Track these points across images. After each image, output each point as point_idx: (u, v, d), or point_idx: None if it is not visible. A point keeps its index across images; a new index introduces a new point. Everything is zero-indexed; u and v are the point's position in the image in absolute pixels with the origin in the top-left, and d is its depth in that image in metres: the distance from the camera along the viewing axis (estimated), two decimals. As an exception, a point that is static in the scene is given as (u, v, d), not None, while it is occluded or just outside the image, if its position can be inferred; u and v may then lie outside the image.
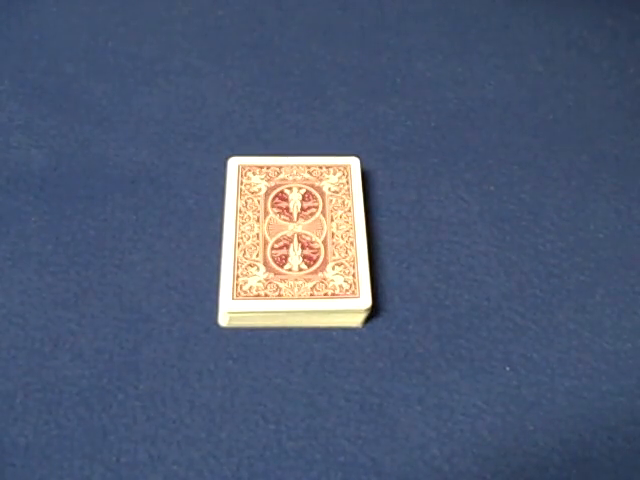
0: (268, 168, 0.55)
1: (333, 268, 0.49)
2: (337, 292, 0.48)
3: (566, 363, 0.49)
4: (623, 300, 0.52)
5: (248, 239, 0.51)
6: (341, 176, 0.55)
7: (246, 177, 0.54)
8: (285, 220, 0.52)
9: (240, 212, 0.52)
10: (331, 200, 0.53)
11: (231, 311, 0.48)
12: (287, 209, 0.52)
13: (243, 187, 0.54)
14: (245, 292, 0.48)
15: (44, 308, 0.50)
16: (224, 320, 0.49)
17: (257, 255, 0.50)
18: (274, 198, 0.53)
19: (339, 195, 0.54)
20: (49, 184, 0.56)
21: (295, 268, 0.49)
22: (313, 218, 0.52)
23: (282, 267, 0.49)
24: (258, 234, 0.51)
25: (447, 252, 0.54)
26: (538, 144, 0.62)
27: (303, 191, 0.54)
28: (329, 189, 0.54)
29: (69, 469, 0.43)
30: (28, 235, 0.53)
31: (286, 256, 0.50)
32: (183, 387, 0.47)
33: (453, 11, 0.72)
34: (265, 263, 0.49)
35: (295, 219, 0.52)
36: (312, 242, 0.51)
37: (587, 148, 0.62)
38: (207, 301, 0.51)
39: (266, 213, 0.52)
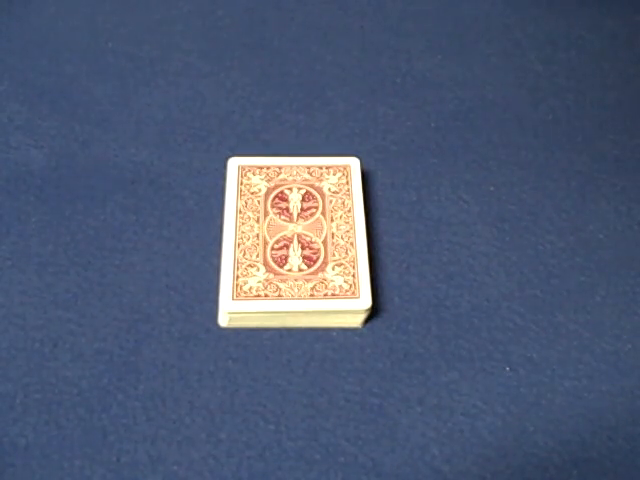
0: (268, 168, 0.55)
1: (333, 268, 0.49)
2: (337, 292, 0.48)
3: (566, 363, 0.49)
4: (623, 300, 0.52)
5: (248, 239, 0.51)
6: (341, 176, 0.55)
7: (246, 177, 0.54)
8: (285, 220, 0.52)
9: (240, 212, 0.52)
10: (331, 200, 0.53)
11: (231, 311, 0.48)
12: (287, 209, 0.53)
13: (243, 187, 0.54)
14: (245, 292, 0.48)
15: (44, 308, 0.50)
16: (224, 320, 0.49)
17: (257, 255, 0.50)
18: (274, 198, 0.53)
19: (339, 195, 0.54)
20: (49, 184, 0.56)
21: (295, 268, 0.49)
22: (313, 218, 0.52)
23: (282, 267, 0.49)
24: (258, 234, 0.51)
25: (447, 252, 0.54)
26: (538, 144, 0.62)
27: (303, 191, 0.54)
28: (329, 189, 0.54)
29: (69, 469, 0.43)
30: (28, 235, 0.53)
31: (286, 256, 0.50)
32: (183, 387, 0.47)
33: (453, 11, 0.72)
34: (265, 263, 0.49)
35: (295, 219, 0.52)
36: (312, 242, 0.51)
37: (587, 148, 0.62)
38: (207, 301, 0.51)
39: (266, 213, 0.52)
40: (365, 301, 0.48)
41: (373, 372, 0.48)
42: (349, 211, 0.53)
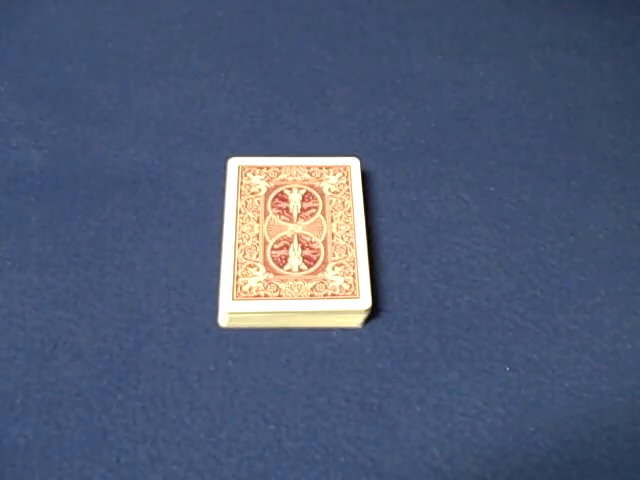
0: (268, 169, 0.55)
1: (333, 269, 0.49)
2: (337, 293, 0.48)
3: (566, 363, 0.49)
4: (623, 300, 0.52)
5: (248, 240, 0.51)
6: (341, 176, 0.55)
7: (246, 177, 0.54)
8: (285, 221, 0.52)
9: (240, 213, 0.52)
10: (331, 201, 0.53)
11: (231, 312, 0.48)
12: (287, 209, 0.53)
13: (243, 188, 0.54)
14: (245, 293, 0.48)
15: (44, 308, 0.50)
16: (224, 321, 0.49)
17: (257, 256, 0.50)
18: (274, 199, 0.53)
19: (339, 196, 0.54)
20: (49, 184, 0.56)
21: (295, 269, 0.49)
22: (313, 219, 0.52)
23: (282, 268, 0.49)
24: (258, 235, 0.51)
25: (447, 252, 0.54)
26: (538, 144, 0.62)
27: (303, 192, 0.54)
28: (329, 189, 0.54)
29: (69, 469, 0.43)
30: (28, 235, 0.53)
31: (286, 257, 0.50)
32: (183, 388, 0.47)
33: (453, 11, 0.72)
34: (265, 264, 0.49)
35: (295, 220, 0.52)
36: (312, 242, 0.51)
37: (587, 148, 0.62)
38: (207, 302, 0.51)
39: (266, 214, 0.52)
40: (365, 301, 0.48)
41: (373, 372, 0.48)
42: (349, 211, 0.53)
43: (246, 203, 0.53)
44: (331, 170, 0.55)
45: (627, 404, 0.48)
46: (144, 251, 0.53)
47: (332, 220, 0.52)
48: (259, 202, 0.53)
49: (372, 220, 0.56)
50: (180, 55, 0.67)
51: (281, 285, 0.48)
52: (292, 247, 0.50)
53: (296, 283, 0.49)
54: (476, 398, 0.47)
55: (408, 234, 0.55)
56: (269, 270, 0.49)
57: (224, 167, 0.56)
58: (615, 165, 0.61)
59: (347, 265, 0.50)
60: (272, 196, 0.53)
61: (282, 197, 0.53)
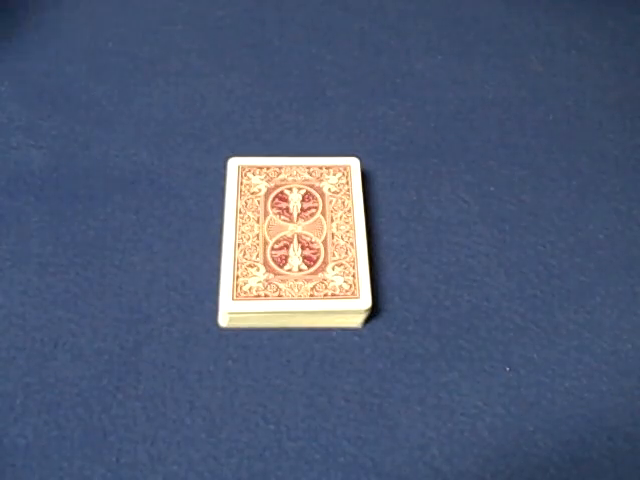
0: (268, 169, 0.55)
1: (333, 269, 0.49)
2: (337, 293, 0.48)
3: (566, 363, 0.49)
4: (623, 300, 0.52)
5: (248, 240, 0.51)
6: (341, 177, 0.55)
7: (246, 177, 0.54)
8: (285, 221, 0.52)
9: (240, 213, 0.52)
10: (331, 201, 0.53)
11: (231, 312, 0.48)
12: (287, 209, 0.53)
13: (243, 188, 0.54)
14: (245, 293, 0.48)
15: (44, 308, 0.50)
16: (224, 321, 0.49)
17: (257, 256, 0.50)
18: (274, 199, 0.53)
19: (339, 196, 0.54)
20: (49, 184, 0.56)
21: (295, 269, 0.49)
22: (313, 219, 0.52)
23: (282, 268, 0.49)
24: (258, 235, 0.51)
25: (447, 253, 0.54)
26: (538, 144, 0.62)
27: (303, 192, 0.54)
28: (329, 190, 0.54)
29: (69, 469, 0.43)
30: (28, 235, 0.53)
31: (286, 257, 0.50)
32: (183, 388, 0.47)
33: (453, 11, 0.72)
34: (265, 264, 0.49)
35: (295, 220, 0.52)
36: (312, 243, 0.51)
37: (587, 148, 0.62)
38: (207, 302, 0.51)
39: (266, 214, 0.52)
40: (365, 301, 0.48)
41: (373, 372, 0.48)
42: (349, 211, 0.53)
43: (246, 203, 0.53)
44: (331, 170, 0.55)
45: (627, 404, 0.48)
46: (144, 251, 0.53)
47: (332, 220, 0.52)
48: (259, 202, 0.53)
49: (372, 220, 0.56)
50: (180, 55, 0.67)
51: (281, 285, 0.48)
52: (292, 247, 0.50)
53: (296, 283, 0.49)
54: (476, 398, 0.47)
55: (408, 234, 0.55)
56: (269, 270, 0.49)
57: (224, 167, 0.57)
58: (615, 165, 0.61)
59: (347, 265, 0.50)
60: (272, 196, 0.53)
61: (282, 197, 0.53)
